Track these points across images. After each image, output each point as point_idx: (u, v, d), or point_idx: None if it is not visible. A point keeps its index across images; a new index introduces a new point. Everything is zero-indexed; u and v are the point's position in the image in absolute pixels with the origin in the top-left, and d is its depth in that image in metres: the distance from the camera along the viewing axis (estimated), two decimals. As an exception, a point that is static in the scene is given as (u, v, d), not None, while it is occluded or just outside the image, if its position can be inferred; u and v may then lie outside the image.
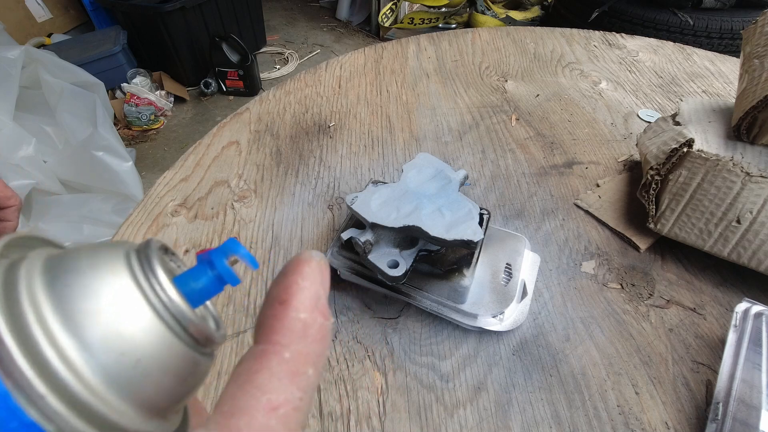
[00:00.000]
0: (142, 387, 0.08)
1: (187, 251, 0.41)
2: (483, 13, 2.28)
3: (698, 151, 0.37)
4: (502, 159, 0.52)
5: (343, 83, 0.65)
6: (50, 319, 0.07)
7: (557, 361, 0.34)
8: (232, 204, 0.46)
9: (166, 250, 0.10)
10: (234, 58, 1.92)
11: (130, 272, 0.09)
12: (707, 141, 0.39)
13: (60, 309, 0.08)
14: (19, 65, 1.15)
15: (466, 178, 0.38)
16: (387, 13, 2.23)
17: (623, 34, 0.80)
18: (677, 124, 0.42)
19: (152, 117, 1.78)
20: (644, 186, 0.41)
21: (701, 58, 0.72)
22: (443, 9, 2.24)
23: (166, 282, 0.09)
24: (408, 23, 2.27)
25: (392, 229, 0.32)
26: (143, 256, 0.09)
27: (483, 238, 0.33)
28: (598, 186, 0.49)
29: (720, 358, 0.31)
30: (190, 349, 0.09)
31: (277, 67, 2.24)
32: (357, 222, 0.37)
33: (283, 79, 2.15)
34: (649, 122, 0.56)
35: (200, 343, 0.10)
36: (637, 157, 0.52)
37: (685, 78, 0.68)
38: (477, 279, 0.36)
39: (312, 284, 0.11)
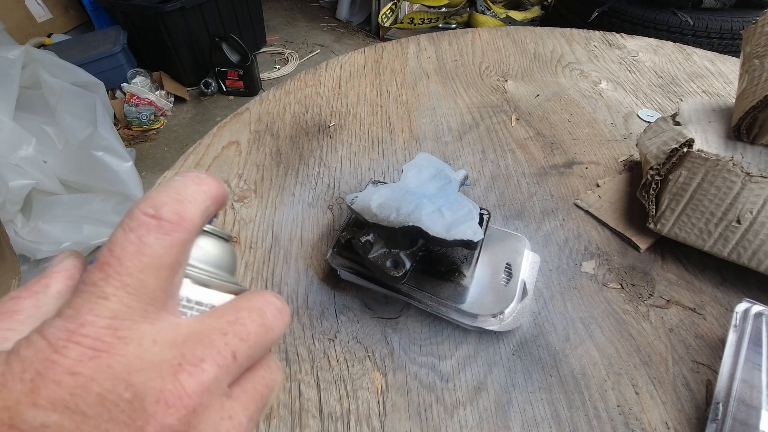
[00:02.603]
0: (220, 260, 0.18)
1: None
2: (483, 13, 2.28)
3: (698, 151, 0.37)
4: (502, 159, 0.52)
5: (343, 83, 0.65)
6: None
7: (557, 361, 0.34)
8: (232, 204, 0.46)
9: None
10: (234, 58, 1.92)
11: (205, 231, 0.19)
12: (707, 141, 0.39)
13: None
14: (19, 65, 1.15)
15: (466, 178, 0.38)
16: (387, 13, 2.24)
17: (623, 34, 0.80)
18: (677, 124, 0.42)
19: (152, 117, 1.78)
20: (644, 186, 0.41)
21: (701, 58, 0.72)
22: (443, 9, 2.24)
23: (208, 226, 0.19)
24: (408, 23, 2.27)
25: (392, 229, 0.32)
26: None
27: (483, 238, 0.33)
28: (598, 186, 0.49)
29: (720, 358, 0.31)
30: (226, 241, 0.19)
31: (277, 67, 2.24)
32: (357, 222, 0.37)
33: (283, 79, 2.15)
34: (649, 122, 0.56)
35: (225, 238, 0.19)
36: (637, 157, 0.52)
37: (685, 78, 0.68)
38: (477, 279, 0.36)
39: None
